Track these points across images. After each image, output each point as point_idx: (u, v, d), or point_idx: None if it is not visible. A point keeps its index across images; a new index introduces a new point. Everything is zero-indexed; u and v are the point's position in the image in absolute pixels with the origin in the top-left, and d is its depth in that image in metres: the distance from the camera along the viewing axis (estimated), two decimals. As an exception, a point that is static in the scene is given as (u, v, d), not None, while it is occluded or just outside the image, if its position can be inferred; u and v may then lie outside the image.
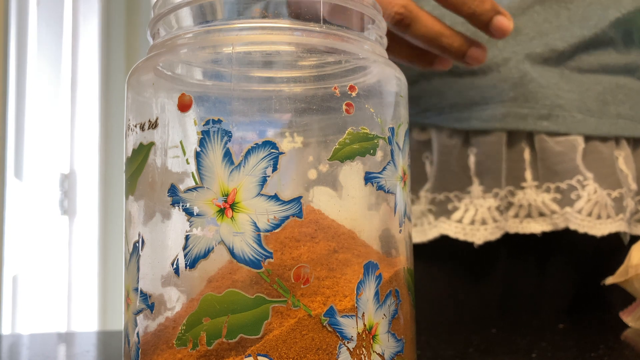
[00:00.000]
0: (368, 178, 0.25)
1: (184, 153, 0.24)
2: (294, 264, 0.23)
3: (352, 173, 0.25)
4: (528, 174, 0.56)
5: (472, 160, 0.56)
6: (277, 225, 0.23)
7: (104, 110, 1.94)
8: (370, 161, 0.25)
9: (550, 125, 0.56)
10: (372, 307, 0.24)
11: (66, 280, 1.89)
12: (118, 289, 1.82)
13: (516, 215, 0.56)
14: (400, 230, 0.27)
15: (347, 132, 0.25)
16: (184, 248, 0.23)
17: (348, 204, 0.25)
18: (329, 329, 0.23)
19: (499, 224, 0.55)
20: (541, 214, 0.55)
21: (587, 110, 0.57)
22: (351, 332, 0.24)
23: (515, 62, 0.57)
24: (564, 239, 0.57)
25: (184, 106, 0.24)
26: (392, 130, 0.27)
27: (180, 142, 0.24)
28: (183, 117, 0.24)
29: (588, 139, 0.56)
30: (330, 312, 0.23)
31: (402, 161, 0.27)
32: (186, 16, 0.26)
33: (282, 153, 0.23)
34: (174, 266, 0.24)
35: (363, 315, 0.24)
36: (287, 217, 0.23)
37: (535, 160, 0.56)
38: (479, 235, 0.54)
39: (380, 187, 0.26)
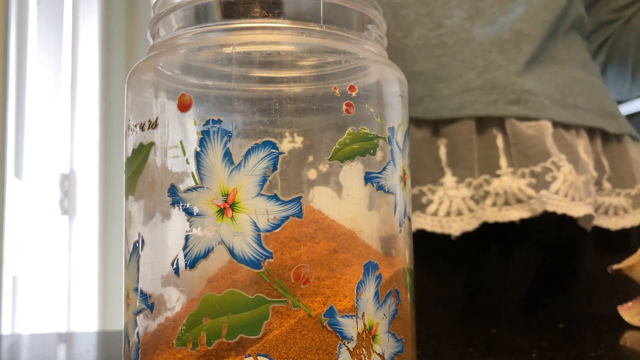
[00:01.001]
0: (368, 178, 0.25)
1: (184, 153, 0.24)
2: (294, 264, 0.23)
3: (352, 173, 0.25)
4: (503, 161, 0.56)
5: (442, 151, 0.56)
6: (277, 225, 0.23)
7: (104, 110, 1.94)
8: (370, 161, 0.25)
9: (520, 109, 0.56)
10: (372, 307, 0.24)
11: (66, 280, 1.89)
12: (118, 289, 1.82)
13: (494, 204, 0.56)
14: (400, 230, 0.27)
15: (347, 132, 0.25)
16: (184, 248, 0.23)
17: (348, 204, 0.25)
18: (329, 329, 0.23)
19: (475, 213, 0.55)
20: (519, 201, 0.55)
21: (551, 98, 0.58)
22: (351, 332, 0.24)
23: (480, 52, 0.57)
24: (534, 226, 0.57)
25: (184, 106, 0.24)
26: (392, 130, 0.27)
27: (180, 142, 0.24)
28: (183, 117, 0.24)
29: (555, 124, 0.57)
30: (330, 312, 0.23)
31: (402, 161, 0.27)
32: (186, 16, 0.26)
33: (282, 153, 0.23)
34: (174, 266, 0.24)
35: (363, 315, 0.24)
36: (287, 217, 0.23)
37: (509, 147, 0.56)
38: (456, 227, 0.54)
39: (380, 187, 0.26)
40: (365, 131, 0.25)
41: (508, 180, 0.55)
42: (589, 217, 0.57)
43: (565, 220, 0.56)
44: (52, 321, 1.85)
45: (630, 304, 0.48)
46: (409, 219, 0.28)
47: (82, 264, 1.90)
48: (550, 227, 0.57)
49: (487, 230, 0.57)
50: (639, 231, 0.62)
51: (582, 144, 0.58)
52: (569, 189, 0.55)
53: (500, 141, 0.56)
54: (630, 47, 0.66)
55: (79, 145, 1.93)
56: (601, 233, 0.60)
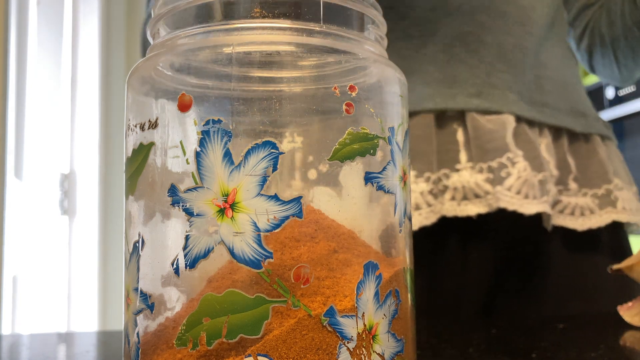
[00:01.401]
0: (368, 178, 0.25)
1: (184, 153, 0.24)
2: (294, 264, 0.23)
3: (352, 173, 0.25)
4: (463, 156, 0.56)
5: None
6: (277, 225, 0.23)
7: (104, 110, 1.94)
8: (370, 161, 0.25)
9: (481, 103, 0.56)
10: (372, 307, 0.24)
11: (66, 280, 1.89)
12: (118, 289, 1.82)
13: (453, 198, 0.55)
14: (400, 230, 0.27)
15: (347, 132, 0.25)
16: (184, 248, 0.23)
17: (348, 204, 0.25)
18: (329, 329, 0.23)
19: (434, 207, 0.55)
20: (476, 196, 0.55)
21: (518, 93, 0.57)
22: (351, 332, 0.24)
23: (443, 46, 0.57)
24: (491, 224, 0.56)
25: (184, 106, 0.24)
26: (392, 130, 0.27)
27: (180, 142, 0.24)
28: (183, 117, 0.24)
29: (518, 120, 0.57)
30: (330, 312, 0.23)
31: (402, 161, 0.27)
32: (186, 16, 0.26)
33: (282, 153, 0.23)
34: (174, 266, 0.24)
35: (363, 315, 0.24)
36: (287, 217, 0.23)
37: (469, 141, 0.56)
38: (414, 221, 0.54)
39: (380, 187, 0.26)
40: (365, 131, 0.25)
41: (467, 175, 0.55)
42: (548, 217, 0.56)
43: (529, 218, 0.55)
44: (52, 321, 1.85)
45: (630, 304, 0.48)
46: (409, 219, 0.28)
47: (82, 264, 1.90)
48: (513, 224, 0.56)
49: (448, 225, 0.56)
50: (607, 231, 0.61)
51: (544, 142, 0.58)
52: (522, 186, 0.54)
53: (460, 135, 0.56)
54: (603, 27, 0.65)
55: (79, 145, 1.93)
56: (568, 233, 0.59)
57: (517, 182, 0.54)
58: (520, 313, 0.58)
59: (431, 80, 0.56)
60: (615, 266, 0.48)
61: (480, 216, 0.55)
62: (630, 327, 0.46)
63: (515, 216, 0.54)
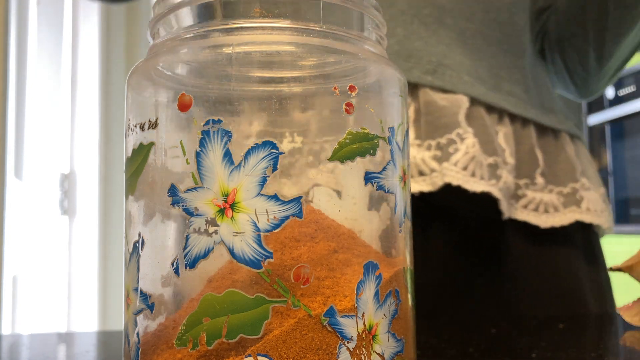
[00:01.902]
0: (368, 178, 0.25)
1: (184, 153, 0.24)
2: (294, 264, 0.23)
3: (352, 173, 0.25)
4: (411, 132, 0.55)
5: None
6: (277, 225, 0.23)
7: (104, 110, 1.94)
8: (370, 161, 0.25)
9: (435, 80, 0.55)
10: (372, 307, 0.24)
11: (66, 280, 1.89)
12: (118, 289, 1.82)
13: None
14: (400, 230, 0.27)
15: (347, 132, 0.25)
16: (184, 248, 0.23)
17: (348, 204, 0.25)
18: (329, 329, 0.23)
19: None
20: (421, 173, 0.54)
21: (477, 77, 0.56)
22: (351, 332, 0.24)
23: (402, 22, 0.57)
24: (439, 205, 0.55)
25: (184, 106, 0.24)
26: (392, 130, 0.27)
27: (180, 142, 0.24)
28: (183, 117, 0.24)
29: (473, 102, 0.56)
30: (330, 312, 0.23)
31: (402, 161, 0.27)
32: (186, 16, 0.26)
33: (282, 153, 0.23)
34: (174, 266, 0.24)
35: (363, 315, 0.24)
36: (287, 217, 0.23)
37: (420, 118, 0.55)
38: None
39: (380, 187, 0.26)
40: (365, 131, 0.25)
41: (413, 152, 0.54)
42: (505, 205, 0.55)
43: (484, 207, 0.54)
44: (52, 321, 1.85)
45: (630, 304, 0.48)
46: (409, 219, 0.28)
47: (82, 264, 1.90)
48: (467, 209, 0.55)
49: None
50: (576, 231, 0.60)
51: (503, 130, 0.57)
52: (469, 163, 0.53)
53: (411, 111, 0.55)
54: (551, 29, 0.63)
55: (79, 145, 1.93)
56: (533, 229, 0.58)
57: (464, 158, 0.53)
58: (470, 308, 0.57)
59: (390, 52, 0.55)
60: (615, 266, 0.48)
61: (428, 196, 0.54)
62: (630, 327, 0.46)
63: (466, 199, 0.53)
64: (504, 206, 0.54)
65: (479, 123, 0.55)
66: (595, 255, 0.63)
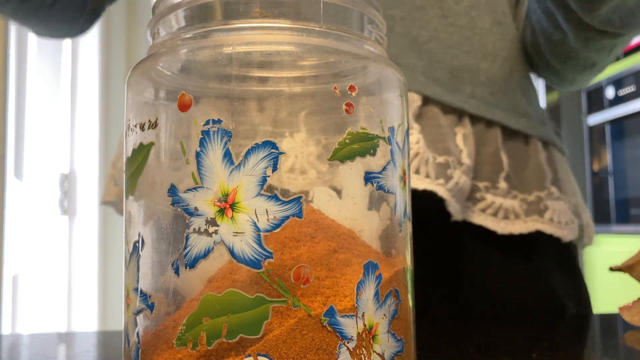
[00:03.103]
0: (368, 178, 0.25)
1: (184, 153, 0.24)
2: (294, 264, 0.23)
3: (352, 173, 0.25)
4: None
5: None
6: (277, 225, 0.23)
7: (104, 110, 1.94)
8: (370, 161, 0.25)
9: None
10: (372, 307, 0.24)
11: (66, 280, 1.89)
12: (118, 289, 1.82)
13: None
14: (400, 230, 0.27)
15: (347, 132, 0.25)
16: (184, 248, 0.23)
17: (348, 204, 0.25)
18: (329, 329, 0.23)
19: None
20: None
21: (434, 79, 0.55)
22: (351, 332, 0.24)
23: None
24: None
25: (184, 106, 0.24)
26: (392, 130, 0.27)
27: (180, 142, 0.24)
28: (183, 117, 0.24)
29: (427, 101, 0.55)
30: (330, 312, 0.23)
31: (402, 161, 0.27)
32: (186, 16, 0.26)
33: (282, 153, 0.23)
34: (174, 266, 0.24)
35: (363, 315, 0.24)
36: (287, 217, 0.23)
37: None
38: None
39: (380, 187, 0.26)
40: (365, 131, 0.25)
41: None
42: (462, 208, 0.53)
43: (439, 212, 0.53)
44: (52, 321, 1.85)
45: (630, 304, 0.48)
46: (409, 219, 0.28)
47: (82, 264, 1.90)
48: (418, 208, 0.54)
49: None
50: (538, 238, 0.57)
51: (462, 131, 0.55)
52: (413, 159, 0.52)
53: None
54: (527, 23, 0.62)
55: (79, 145, 1.93)
56: (491, 232, 0.56)
57: None
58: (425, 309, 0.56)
59: None
60: (615, 266, 0.48)
61: None
62: (630, 327, 0.46)
63: (413, 197, 0.51)
64: (453, 207, 0.53)
65: (430, 122, 0.54)
66: (568, 267, 0.61)
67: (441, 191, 0.52)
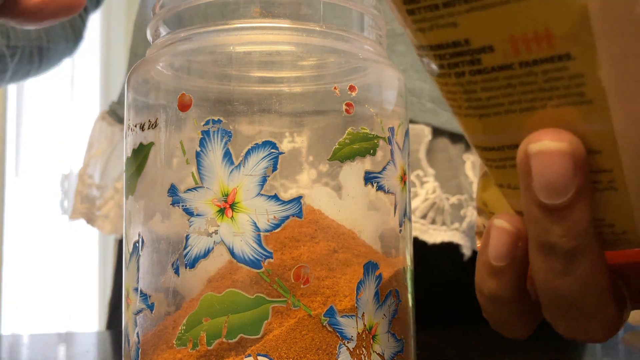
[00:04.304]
0: (368, 178, 0.25)
1: (184, 153, 0.24)
2: (294, 264, 0.23)
3: (352, 173, 0.25)
4: None
5: None
6: (277, 225, 0.23)
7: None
8: (370, 161, 0.25)
9: None
10: (372, 307, 0.24)
11: (66, 280, 1.89)
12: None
13: None
14: (400, 230, 0.27)
15: (347, 132, 0.25)
16: (184, 248, 0.23)
17: (348, 204, 0.25)
18: (329, 329, 0.23)
19: None
20: None
21: (440, 103, 0.53)
22: (351, 332, 0.24)
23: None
24: None
25: (184, 106, 0.24)
26: (392, 130, 0.27)
27: (180, 142, 0.24)
28: (183, 117, 0.24)
29: (437, 133, 0.53)
30: (330, 312, 0.23)
31: (402, 161, 0.27)
32: (186, 16, 0.26)
33: (282, 153, 0.23)
34: (174, 266, 0.24)
35: (363, 315, 0.24)
36: (287, 217, 0.23)
37: None
38: None
39: (380, 187, 0.26)
40: (365, 131, 0.25)
41: None
42: (471, 244, 0.51)
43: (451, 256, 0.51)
44: (52, 321, 1.85)
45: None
46: (409, 219, 0.28)
47: (82, 264, 1.90)
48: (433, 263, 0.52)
49: None
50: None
51: (470, 159, 0.53)
52: (429, 210, 0.50)
53: None
54: None
55: (80, 145, 1.93)
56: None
57: (423, 205, 0.50)
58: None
59: None
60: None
61: None
62: (630, 327, 0.46)
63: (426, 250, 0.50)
64: (466, 249, 0.51)
65: (442, 158, 0.52)
66: None
67: (457, 237, 0.51)
